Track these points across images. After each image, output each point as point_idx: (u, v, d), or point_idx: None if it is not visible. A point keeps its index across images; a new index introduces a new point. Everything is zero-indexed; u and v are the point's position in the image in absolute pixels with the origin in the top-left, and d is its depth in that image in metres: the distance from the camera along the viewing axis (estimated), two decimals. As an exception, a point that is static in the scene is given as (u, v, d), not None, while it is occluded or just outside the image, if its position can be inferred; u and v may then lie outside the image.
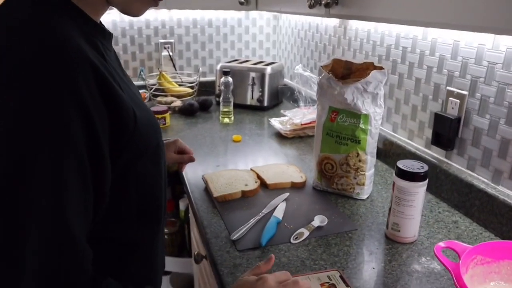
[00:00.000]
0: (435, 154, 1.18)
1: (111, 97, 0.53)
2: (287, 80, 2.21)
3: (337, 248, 0.90)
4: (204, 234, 0.95)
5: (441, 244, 0.73)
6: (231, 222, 0.98)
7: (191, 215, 1.33)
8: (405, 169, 0.87)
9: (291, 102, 1.97)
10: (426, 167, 0.88)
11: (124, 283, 0.58)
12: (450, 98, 1.10)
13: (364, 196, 1.11)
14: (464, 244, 0.74)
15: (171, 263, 1.56)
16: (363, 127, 1.04)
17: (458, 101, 1.07)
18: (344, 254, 0.88)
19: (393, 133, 1.36)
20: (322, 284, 0.77)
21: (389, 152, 1.33)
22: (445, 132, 1.10)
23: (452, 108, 1.09)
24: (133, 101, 0.59)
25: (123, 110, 0.54)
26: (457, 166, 1.10)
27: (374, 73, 1.01)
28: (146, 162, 0.63)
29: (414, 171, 0.87)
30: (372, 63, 1.06)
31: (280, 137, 1.61)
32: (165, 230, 1.55)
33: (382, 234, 0.96)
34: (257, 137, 1.62)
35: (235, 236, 0.92)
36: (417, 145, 1.25)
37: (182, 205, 1.56)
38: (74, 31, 0.52)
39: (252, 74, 1.96)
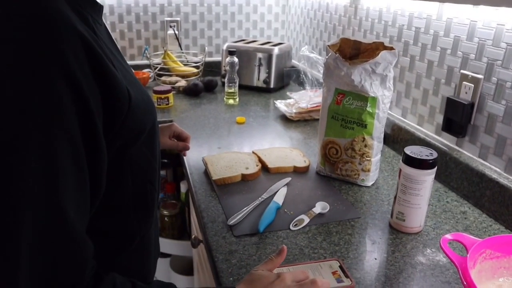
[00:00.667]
0: (446, 141, 1.12)
1: (104, 74, 0.48)
2: (295, 62, 2.14)
3: (338, 237, 0.86)
4: (201, 218, 0.91)
5: (448, 236, 0.69)
6: (229, 207, 0.95)
7: (192, 208, 1.30)
8: (412, 155, 0.83)
9: (297, 84, 1.91)
10: (435, 154, 0.83)
11: (131, 279, 0.54)
12: (464, 82, 1.04)
13: (369, 183, 1.07)
14: (472, 237, 0.69)
15: (171, 246, 1.54)
16: (370, 111, 0.99)
17: (472, 85, 1.01)
18: (345, 243, 0.84)
19: (402, 118, 1.31)
20: (333, 273, 0.73)
21: (397, 138, 1.28)
22: (457, 118, 1.05)
23: (466, 92, 1.03)
24: (127, 79, 0.55)
25: (116, 89, 0.50)
26: (468, 154, 1.05)
27: (383, 53, 0.95)
28: (141, 146, 0.58)
29: (422, 158, 0.82)
30: (382, 43, 1.00)
31: (285, 119, 1.56)
32: (166, 212, 1.52)
33: (386, 223, 0.91)
34: (262, 119, 1.57)
35: (232, 221, 0.88)
36: (426, 131, 1.19)
37: (183, 187, 1.53)
38: (61, 1, 0.48)
39: (259, 55, 1.90)
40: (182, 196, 1.55)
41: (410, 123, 1.26)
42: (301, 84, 1.74)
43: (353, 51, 1.05)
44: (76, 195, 0.45)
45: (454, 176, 1.05)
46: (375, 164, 1.05)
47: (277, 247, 0.82)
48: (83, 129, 0.45)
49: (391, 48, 0.97)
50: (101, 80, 0.47)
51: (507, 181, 0.92)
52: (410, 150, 0.84)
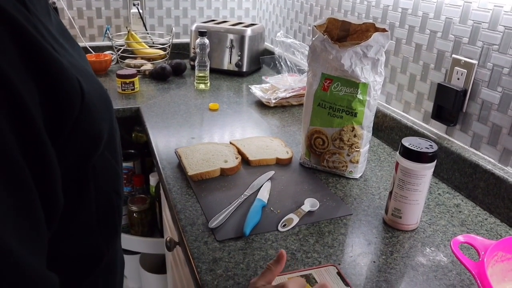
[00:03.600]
0: (434, 129, 1.07)
1: (43, 64, 0.35)
2: (268, 44, 2.04)
3: (331, 237, 0.78)
4: (178, 220, 0.82)
5: (460, 238, 0.63)
6: (209, 206, 0.85)
7: (163, 196, 1.19)
8: (411, 148, 0.76)
9: (275, 72, 1.81)
10: (435, 146, 0.77)
11: None
12: (456, 68, 0.98)
13: (357, 175, 1.00)
14: (483, 238, 0.63)
15: (141, 244, 1.43)
16: (361, 98, 0.91)
17: (465, 71, 0.95)
18: (339, 244, 0.77)
19: (386, 105, 1.24)
20: None
21: (382, 126, 1.22)
22: (448, 105, 0.99)
23: (458, 78, 0.98)
24: (76, 69, 0.42)
25: (63, 80, 0.37)
26: (459, 143, 1.00)
27: (376, 35, 0.87)
28: (103, 151, 0.47)
29: (422, 150, 0.75)
30: (373, 25, 0.92)
31: (261, 106, 1.47)
32: (134, 208, 1.41)
33: (380, 220, 0.85)
34: (236, 105, 1.47)
35: (214, 223, 0.79)
36: (413, 119, 1.14)
37: (152, 180, 1.42)
38: None
39: (231, 36, 1.79)
40: (151, 189, 1.43)
41: (396, 110, 1.20)
42: (278, 71, 1.64)
43: (341, 33, 0.97)
44: (24, 224, 0.34)
45: (445, 166, 1.00)
46: (363, 155, 0.98)
47: (266, 252, 0.73)
48: (18, 135, 0.33)
49: (384, 30, 0.89)
50: (38, 72, 0.35)
51: (502, 172, 0.87)
52: (408, 142, 0.78)
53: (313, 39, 0.94)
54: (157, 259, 1.53)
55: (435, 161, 0.77)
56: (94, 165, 0.45)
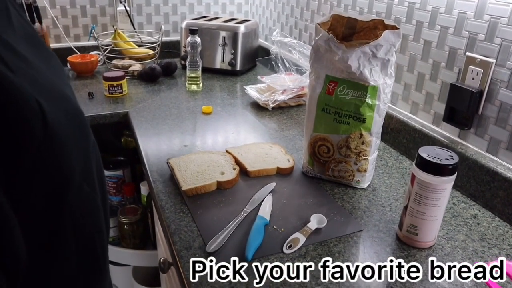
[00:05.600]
0: (446, 132, 1.00)
1: None
2: (261, 41, 1.96)
3: (342, 259, 0.71)
4: (172, 244, 0.73)
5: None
6: (206, 225, 0.77)
7: (155, 213, 1.11)
8: (430, 159, 0.68)
9: (271, 71, 1.73)
10: (456, 157, 0.69)
11: None
12: (471, 67, 0.90)
13: (365, 185, 0.92)
14: (517, 264, 0.56)
15: (133, 257, 1.34)
16: (370, 102, 0.84)
17: (481, 70, 0.88)
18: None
19: (391, 105, 1.17)
20: None
21: (387, 128, 1.14)
22: (462, 107, 0.92)
23: (473, 78, 0.90)
24: (39, 87, 0.34)
25: (12, 105, 0.29)
26: (474, 148, 0.92)
27: (386, 33, 0.79)
28: (81, 185, 0.38)
29: (442, 162, 0.68)
30: (381, 21, 0.84)
31: (257, 107, 1.39)
32: (125, 219, 1.32)
33: (393, 236, 0.77)
34: (231, 108, 1.39)
35: (212, 246, 0.71)
36: (422, 121, 1.06)
37: (143, 189, 1.33)
38: None
39: (223, 34, 1.70)
40: (143, 199, 1.35)
41: (402, 111, 1.13)
42: (274, 70, 1.56)
43: (346, 31, 0.89)
44: None
45: (459, 173, 0.92)
46: (372, 163, 0.91)
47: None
48: None
49: (394, 27, 0.81)
50: None
51: (525, 180, 0.80)
52: (426, 153, 0.70)
53: (317, 38, 0.86)
54: (151, 271, 1.45)
55: (456, 173, 0.69)
56: (70, 204, 0.37)
